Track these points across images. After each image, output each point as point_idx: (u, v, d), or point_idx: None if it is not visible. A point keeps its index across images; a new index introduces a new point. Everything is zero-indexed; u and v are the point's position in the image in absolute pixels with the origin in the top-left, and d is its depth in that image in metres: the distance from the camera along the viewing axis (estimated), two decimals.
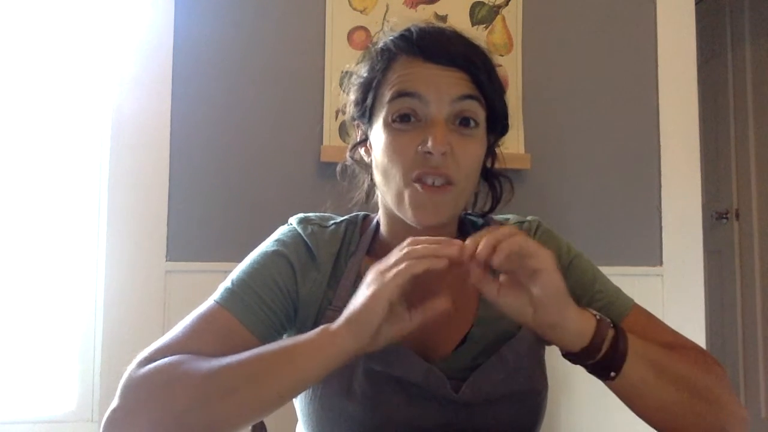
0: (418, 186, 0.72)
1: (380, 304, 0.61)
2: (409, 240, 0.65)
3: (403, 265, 0.62)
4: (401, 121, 0.74)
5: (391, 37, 0.79)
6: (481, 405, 0.75)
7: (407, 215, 0.74)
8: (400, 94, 0.74)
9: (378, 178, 0.79)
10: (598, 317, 0.67)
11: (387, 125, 0.75)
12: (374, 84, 0.78)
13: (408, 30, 0.77)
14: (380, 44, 0.80)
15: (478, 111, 0.75)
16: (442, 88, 0.73)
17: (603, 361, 0.66)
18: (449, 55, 0.74)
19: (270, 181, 1.51)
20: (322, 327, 0.66)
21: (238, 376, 0.64)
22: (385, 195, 0.78)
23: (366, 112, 0.80)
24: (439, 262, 0.62)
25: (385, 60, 0.78)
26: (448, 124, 0.74)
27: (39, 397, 1.48)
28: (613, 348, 0.66)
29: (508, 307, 0.65)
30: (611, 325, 0.67)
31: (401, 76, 0.75)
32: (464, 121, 0.74)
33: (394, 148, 0.74)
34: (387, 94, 0.76)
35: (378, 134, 0.77)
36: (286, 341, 0.68)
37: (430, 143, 0.71)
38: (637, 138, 1.65)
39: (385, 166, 0.75)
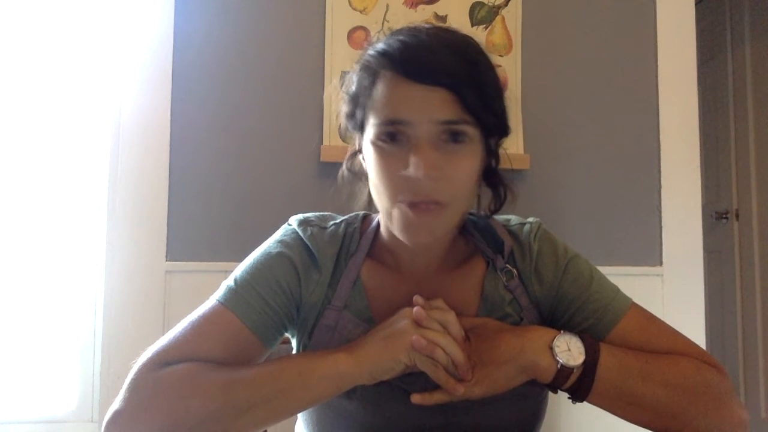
0: (404, 206, 0.71)
1: (399, 365, 0.70)
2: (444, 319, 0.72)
3: (427, 357, 0.69)
4: (388, 141, 0.72)
5: (374, 52, 0.75)
6: (481, 405, 0.75)
7: (397, 235, 0.73)
8: (385, 123, 0.71)
9: (371, 189, 0.78)
10: (559, 366, 0.71)
11: (374, 144, 0.73)
12: (361, 100, 0.76)
13: (390, 45, 0.73)
14: (364, 58, 0.77)
15: (466, 130, 0.71)
16: (426, 112, 0.69)
17: (568, 390, 0.73)
18: (433, 73, 0.69)
19: (270, 181, 1.51)
20: (340, 355, 0.70)
21: (254, 395, 0.66)
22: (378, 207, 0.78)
23: (356, 125, 0.79)
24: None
25: (370, 76, 0.75)
26: (436, 141, 0.70)
27: (39, 397, 1.48)
28: (576, 385, 0.72)
29: (483, 394, 0.71)
30: (583, 361, 0.71)
31: (386, 98, 0.72)
32: (453, 137, 0.71)
33: (379, 168, 0.72)
34: (372, 116, 0.73)
35: (368, 149, 0.75)
36: (302, 360, 0.72)
37: (411, 168, 0.68)
38: (637, 138, 1.65)
39: (374, 183, 0.75)
